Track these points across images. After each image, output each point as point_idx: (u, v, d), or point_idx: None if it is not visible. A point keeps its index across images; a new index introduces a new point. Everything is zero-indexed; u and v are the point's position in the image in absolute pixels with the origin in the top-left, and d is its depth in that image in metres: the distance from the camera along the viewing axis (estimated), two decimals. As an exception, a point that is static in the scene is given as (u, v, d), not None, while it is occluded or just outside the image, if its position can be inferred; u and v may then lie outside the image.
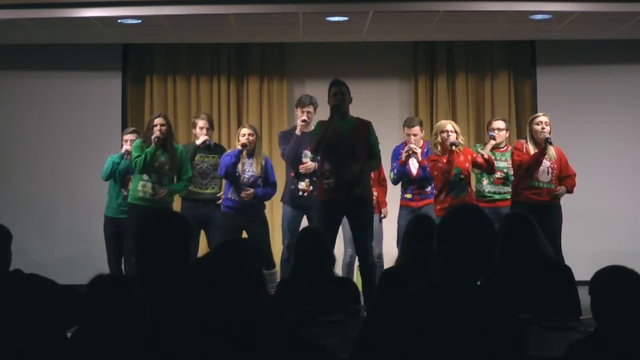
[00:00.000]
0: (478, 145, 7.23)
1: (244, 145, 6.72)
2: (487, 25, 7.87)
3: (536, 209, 6.15)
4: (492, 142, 7.01)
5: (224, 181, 7.00)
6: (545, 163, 6.46)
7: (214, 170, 6.96)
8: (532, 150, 6.44)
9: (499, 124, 7.14)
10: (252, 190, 6.72)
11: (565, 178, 6.54)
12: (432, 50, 8.79)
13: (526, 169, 6.45)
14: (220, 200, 6.93)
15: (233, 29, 7.82)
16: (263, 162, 6.84)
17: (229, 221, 6.75)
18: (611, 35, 8.23)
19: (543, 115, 6.59)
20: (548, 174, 6.46)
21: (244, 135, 6.78)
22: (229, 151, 7.07)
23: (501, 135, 7.07)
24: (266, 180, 6.86)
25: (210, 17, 7.37)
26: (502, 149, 7.07)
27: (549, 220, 6.30)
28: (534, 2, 7.21)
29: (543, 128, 6.44)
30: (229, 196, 6.78)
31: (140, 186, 6.62)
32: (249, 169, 6.77)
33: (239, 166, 6.73)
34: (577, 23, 7.64)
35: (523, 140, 6.64)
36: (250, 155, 6.79)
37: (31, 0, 7.09)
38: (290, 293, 4.21)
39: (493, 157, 6.80)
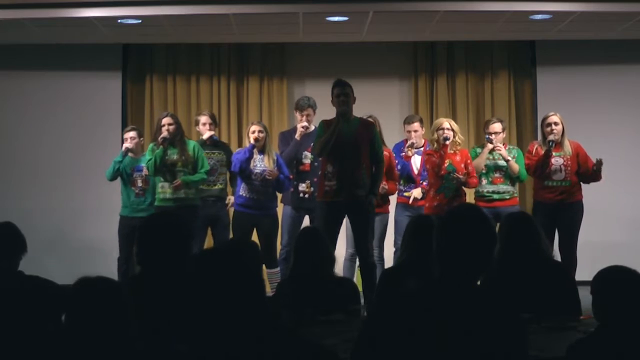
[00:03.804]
0: (477, 147, 7.21)
1: (256, 141, 6.73)
2: (487, 25, 7.87)
3: (554, 208, 6.19)
4: (490, 146, 6.96)
5: (228, 178, 7.03)
6: (558, 161, 6.48)
7: (221, 166, 6.96)
8: (542, 152, 6.47)
9: (496, 127, 7.05)
10: (276, 169, 6.73)
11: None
12: (432, 50, 8.79)
13: (533, 171, 6.49)
14: (229, 201, 6.93)
15: (233, 29, 7.82)
16: (275, 157, 6.85)
17: (240, 220, 6.77)
18: (611, 35, 8.23)
19: (553, 115, 6.56)
20: (561, 172, 6.49)
21: (254, 132, 6.79)
22: (239, 149, 7.09)
23: (499, 139, 7.02)
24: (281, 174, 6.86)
25: (210, 17, 7.37)
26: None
27: (567, 218, 6.34)
28: (534, 2, 7.21)
29: (552, 129, 6.45)
30: (241, 193, 6.78)
31: (160, 188, 6.64)
32: (260, 164, 6.76)
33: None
34: (577, 23, 7.64)
35: (536, 142, 6.65)
36: (261, 151, 6.80)
37: (31, 0, 7.10)
38: (290, 293, 4.21)
39: (492, 158, 6.83)
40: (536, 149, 6.55)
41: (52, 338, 2.51)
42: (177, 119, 6.90)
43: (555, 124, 6.49)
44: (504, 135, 7.15)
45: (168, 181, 6.60)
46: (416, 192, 6.90)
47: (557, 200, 6.44)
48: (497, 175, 6.87)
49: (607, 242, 8.32)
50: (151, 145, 6.70)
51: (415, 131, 7.09)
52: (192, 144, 6.78)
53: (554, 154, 6.50)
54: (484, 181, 6.99)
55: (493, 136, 6.99)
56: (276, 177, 6.72)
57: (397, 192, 7.08)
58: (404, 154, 7.00)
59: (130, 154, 7.00)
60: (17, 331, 3.06)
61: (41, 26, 7.59)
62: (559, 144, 6.49)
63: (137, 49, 8.76)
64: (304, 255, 4.34)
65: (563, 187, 6.50)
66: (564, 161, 6.50)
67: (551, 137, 6.43)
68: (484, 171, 6.95)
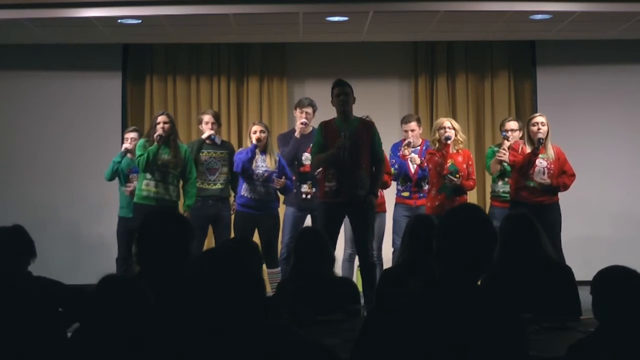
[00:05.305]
0: (494, 146, 7.16)
1: (258, 141, 6.73)
2: (487, 25, 7.87)
3: (533, 209, 6.15)
4: (507, 143, 6.91)
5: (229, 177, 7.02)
6: (542, 163, 6.46)
7: (222, 165, 6.95)
8: (528, 151, 6.46)
9: (512, 124, 7.07)
10: (283, 178, 6.73)
11: (561, 175, 6.53)
12: (432, 50, 8.79)
13: (519, 169, 6.47)
14: (233, 206, 6.95)
15: (233, 29, 7.82)
16: (277, 157, 6.85)
17: (242, 220, 6.77)
18: (611, 35, 8.23)
19: (540, 115, 6.59)
20: (544, 174, 6.46)
21: (255, 132, 6.78)
22: (241, 149, 7.09)
23: (515, 136, 6.97)
24: (285, 177, 6.85)
25: (210, 17, 7.37)
26: None
27: (546, 220, 6.29)
28: (534, 2, 7.21)
29: (539, 129, 6.45)
30: (242, 193, 6.78)
31: (144, 185, 6.61)
32: (262, 165, 6.76)
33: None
34: (577, 23, 7.64)
35: (520, 141, 6.65)
36: (263, 151, 6.79)
37: (31, 0, 7.10)
38: (290, 293, 4.20)
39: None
40: (521, 147, 6.54)
41: (61, 338, 2.51)
42: (172, 118, 6.89)
43: (542, 124, 6.48)
44: (521, 134, 7.02)
45: (155, 180, 6.59)
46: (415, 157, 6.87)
47: (536, 202, 6.41)
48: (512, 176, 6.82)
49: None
50: (142, 141, 6.69)
51: (412, 130, 7.11)
52: (183, 147, 6.79)
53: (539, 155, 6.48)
54: (500, 182, 6.97)
55: (509, 133, 6.97)
56: (283, 185, 6.74)
57: (395, 191, 7.10)
58: (400, 152, 7.01)
59: (128, 155, 7.01)
60: (25, 331, 3.06)
61: (41, 26, 7.59)
62: (542, 146, 6.48)
63: (137, 49, 8.76)
64: (305, 255, 4.33)
65: (544, 190, 6.47)
66: (547, 164, 6.48)
67: (540, 136, 6.42)
68: (500, 171, 6.92)
